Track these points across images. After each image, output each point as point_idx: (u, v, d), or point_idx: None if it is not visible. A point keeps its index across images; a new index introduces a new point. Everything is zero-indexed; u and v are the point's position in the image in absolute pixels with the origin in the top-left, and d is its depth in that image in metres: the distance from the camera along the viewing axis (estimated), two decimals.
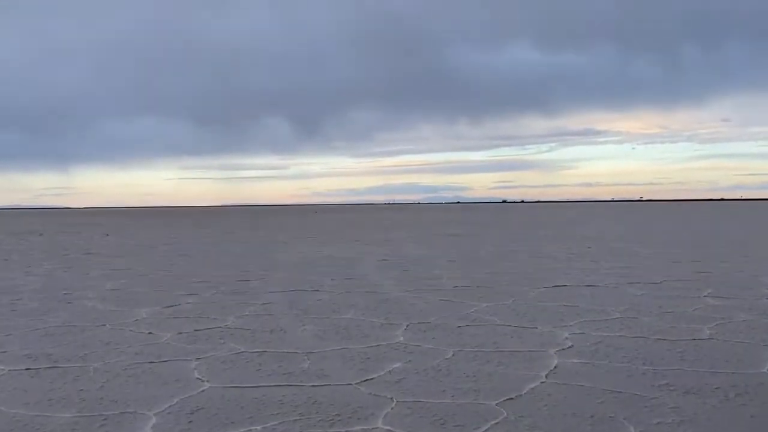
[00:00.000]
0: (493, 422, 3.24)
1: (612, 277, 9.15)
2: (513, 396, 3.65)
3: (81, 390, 3.86)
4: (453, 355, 4.61)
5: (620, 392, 3.69)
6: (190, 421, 3.31)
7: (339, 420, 3.30)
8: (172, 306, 7.01)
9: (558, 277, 9.20)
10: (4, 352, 4.90)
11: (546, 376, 4.03)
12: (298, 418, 3.34)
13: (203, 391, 3.83)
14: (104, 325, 5.96)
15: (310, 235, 23.00)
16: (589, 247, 15.09)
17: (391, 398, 3.63)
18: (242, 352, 4.79)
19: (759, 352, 4.60)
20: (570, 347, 4.81)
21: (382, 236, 21.55)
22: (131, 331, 5.66)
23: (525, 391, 3.73)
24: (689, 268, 10.26)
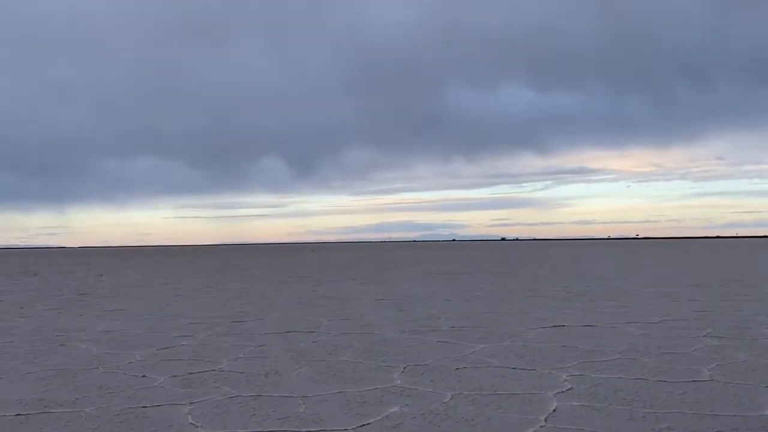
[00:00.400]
0: None
1: (610, 316, 9.10)
2: None
3: None
4: (451, 398, 4.56)
5: None
6: None
7: None
8: (166, 348, 6.93)
9: (556, 317, 9.14)
10: None
11: (545, 420, 3.97)
12: None
13: None
14: (97, 368, 5.88)
15: (307, 273, 22.91)
16: (586, 286, 15.06)
17: None
18: (237, 396, 4.72)
19: (760, 394, 4.55)
20: (569, 389, 4.76)
21: (379, 275, 21.47)
22: (124, 374, 5.58)
23: None
24: (688, 307, 10.23)
